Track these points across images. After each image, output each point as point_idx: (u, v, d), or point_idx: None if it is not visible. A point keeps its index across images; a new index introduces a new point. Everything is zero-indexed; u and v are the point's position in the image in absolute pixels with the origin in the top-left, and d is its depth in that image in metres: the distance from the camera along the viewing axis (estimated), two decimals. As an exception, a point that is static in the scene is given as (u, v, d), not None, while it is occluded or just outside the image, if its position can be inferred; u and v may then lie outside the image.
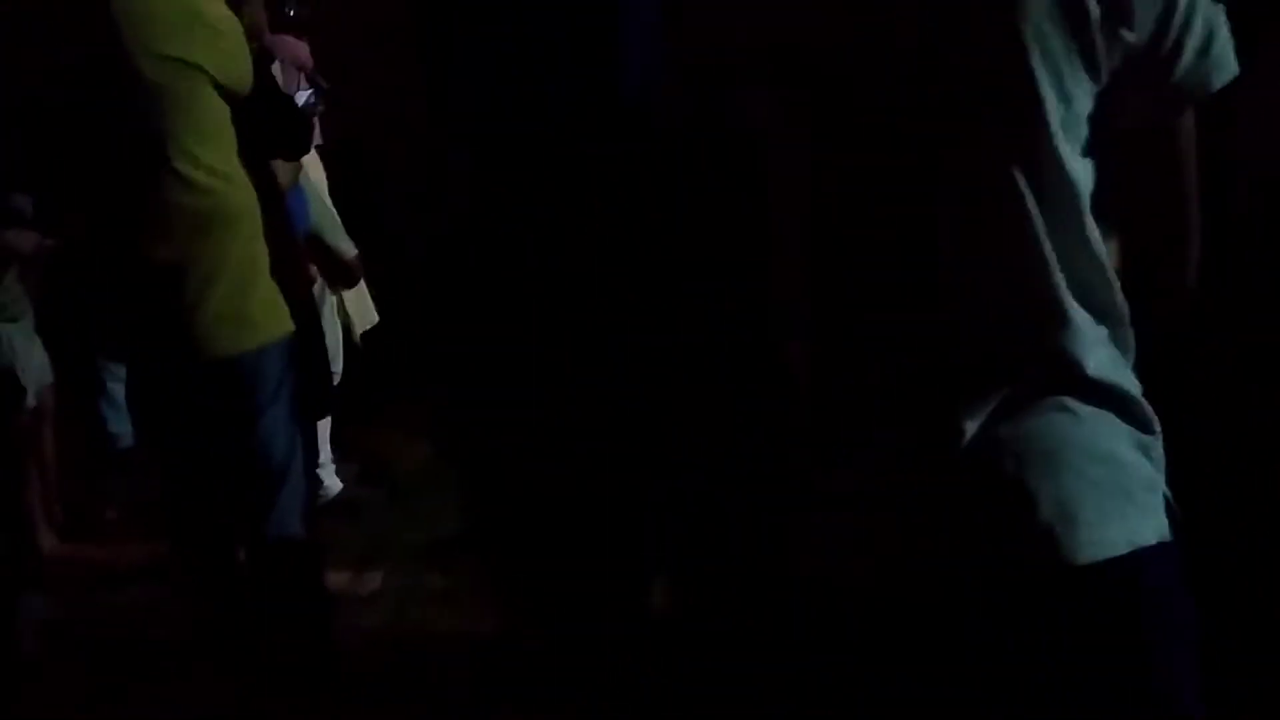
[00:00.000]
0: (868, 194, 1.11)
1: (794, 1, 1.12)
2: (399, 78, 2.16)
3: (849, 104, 1.09)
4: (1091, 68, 1.04)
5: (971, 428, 1.09)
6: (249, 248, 2.40)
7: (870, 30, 1.08)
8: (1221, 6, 1.07)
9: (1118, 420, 1.11)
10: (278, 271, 2.44)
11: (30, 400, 3.70)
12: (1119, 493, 1.09)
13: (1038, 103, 1.04)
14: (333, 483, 3.85)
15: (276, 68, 3.49)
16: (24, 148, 2.82)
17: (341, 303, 3.75)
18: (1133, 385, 1.13)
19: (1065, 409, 1.10)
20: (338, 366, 3.78)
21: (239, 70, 2.34)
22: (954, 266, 1.09)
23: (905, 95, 1.07)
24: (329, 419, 3.79)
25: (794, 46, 1.11)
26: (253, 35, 2.61)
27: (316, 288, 3.53)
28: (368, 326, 3.82)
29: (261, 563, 2.53)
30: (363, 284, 3.75)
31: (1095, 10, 1.02)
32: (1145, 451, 1.13)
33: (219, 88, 2.31)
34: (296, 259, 2.63)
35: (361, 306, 3.77)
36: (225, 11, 2.36)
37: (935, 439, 1.10)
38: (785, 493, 1.22)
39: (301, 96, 2.87)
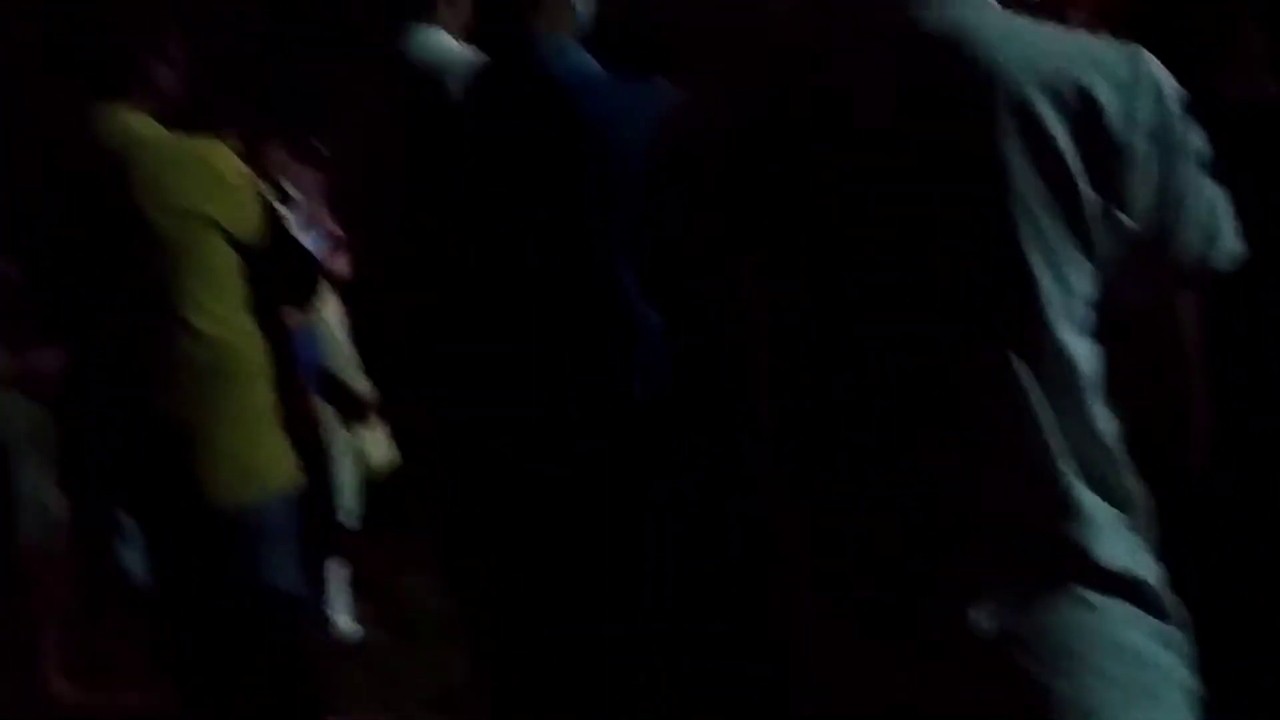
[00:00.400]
0: (863, 388, 1.08)
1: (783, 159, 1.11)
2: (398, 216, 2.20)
3: (833, 275, 1.08)
4: (1088, 250, 1.02)
5: (983, 621, 1.04)
6: (256, 397, 2.40)
7: (853, 204, 1.06)
8: (1222, 186, 1.05)
9: (1136, 610, 1.06)
10: (284, 419, 2.43)
11: (34, 537, 3.67)
12: (1142, 691, 1.04)
13: (1032, 286, 1.01)
14: (347, 626, 3.79)
15: (301, 203, 3.55)
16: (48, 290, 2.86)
17: (357, 440, 3.73)
18: (1150, 572, 1.08)
19: (1080, 600, 1.05)
20: (353, 505, 3.75)
21: (249, 222, 2.36)
22: (953, 455, 1.05)
23: (890, 275, 1.05)
24: (344, 560, 3.75)
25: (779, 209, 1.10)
26: (273, 177, 2.65)
27: (331, 425, 3.53)
28: (383, 464, 3.78)
29: (261, 711, 2.48)
30: (378, 421, 3.73)
31: (1090, 195, 1.00)
32: (1167, 643, 1.08)
33: (229, 239, 2.33)
34: (304, 405, 2.63)
35: (379, 444, 3.74)
36: (236, 165, 2.40)
37: (943, 635, 1.05)
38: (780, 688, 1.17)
39: (312, 239, 2.90)
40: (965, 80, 1.02)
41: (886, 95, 1.04)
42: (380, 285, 2.45)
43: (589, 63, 1.65)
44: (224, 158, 2.38)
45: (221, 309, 2.35)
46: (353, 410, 3.61)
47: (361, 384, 3.61)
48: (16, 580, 3.64)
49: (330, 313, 3.52)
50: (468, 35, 2.31)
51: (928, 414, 1.05)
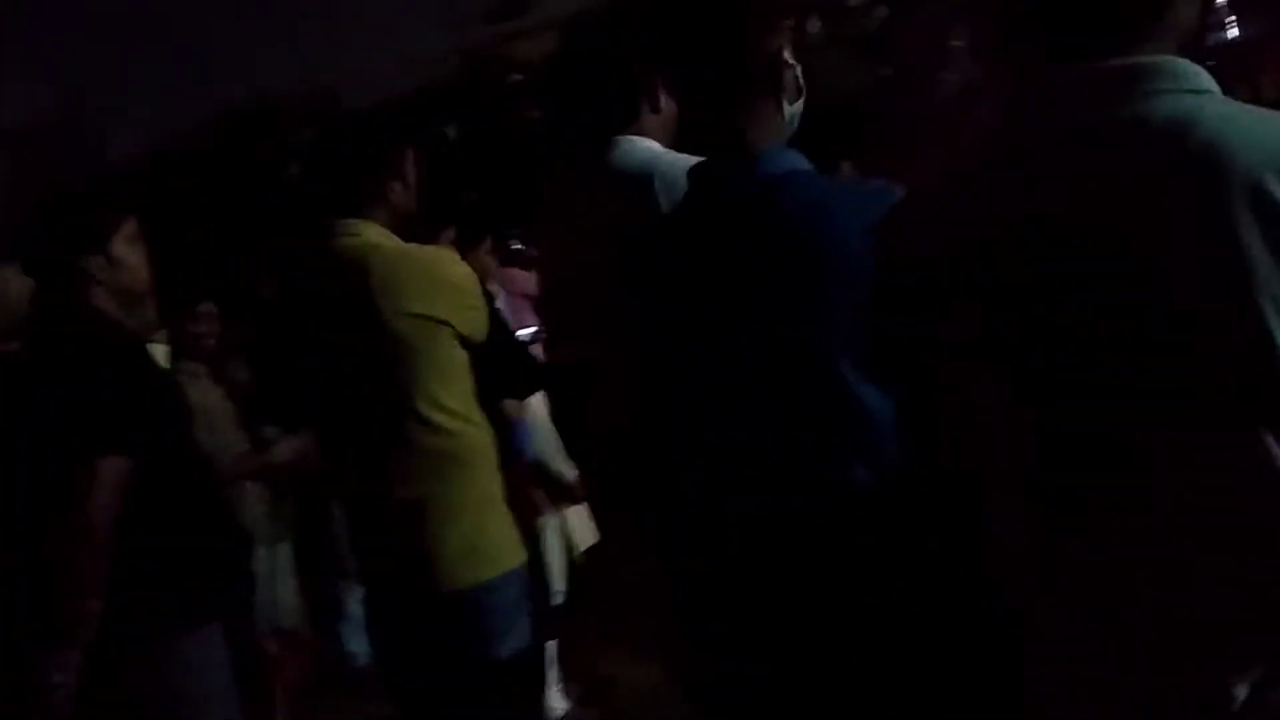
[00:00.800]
0: (1111, 478, 1.13)
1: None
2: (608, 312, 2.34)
3: (1077, 369, 1.13)
4: None
5: (1241, 692, 1.08)
6: (486, 484, 2.56)
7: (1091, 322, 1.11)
8: None
9: None
10: (510, 503, 2.59)
11: (271, 619, 3.90)
12: None
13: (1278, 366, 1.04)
14: (558, 704, 3.92)
15: (503, 301, 3.77)
16: (286, 388, 3.09)
17: (564, 523, 3.89)
18: None
19: None
20: (562, 586, 3.90)
21: (477, 322, 2.55)
22: (1202, 545, 1.09)
23: (1135, 367, 1.09)
24: (555, 639, 3.89)
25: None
26: (483, 278, 2.83)
27: (540, 508, 3.70)
28: (590, 544, 3.94)
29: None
30: (584, 504, 3.89)
31: None
32: None
33: (459, 338, 2.52)
34: (523, 490, 2.79)
35: (584, 526, 3.90)
36: (465, 270, 2.60)
37: (1199, 704, 1.10)
38: None
39: (526, 332, 3.08)
40: (1197, 167, 1.05)
41: (1118, 186, 1.09)
42: (592, 375, 2.59)
43: (803, 164, 1.75)
44: (452, 263, 2.59)
45: (452, 401, 2.52)
46: (560, 495, 3.78)
47: (566, 469, 3.79)
48: (254, 660, 3.89)
49: (536, 403, 3.72)
50: (672, 142, 2.46)
51: (1176, 501, 1.09)
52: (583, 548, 3.93)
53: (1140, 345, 1.09)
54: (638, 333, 1.97)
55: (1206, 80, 1.12)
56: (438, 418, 2.50)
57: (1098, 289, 1.10)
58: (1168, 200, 1.07)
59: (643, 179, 2.31)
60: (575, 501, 3.82)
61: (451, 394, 2.53)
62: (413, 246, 2.58)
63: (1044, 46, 1.17)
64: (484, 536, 2.54)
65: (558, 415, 3.82)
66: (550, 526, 3.83)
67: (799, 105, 1.81)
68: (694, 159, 2.28)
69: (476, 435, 2.56)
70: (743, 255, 1.72)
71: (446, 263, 2.58)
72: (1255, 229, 1.03)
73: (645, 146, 2.39)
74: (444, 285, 2.52)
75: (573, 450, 3.80)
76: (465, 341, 2.54)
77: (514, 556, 2.58)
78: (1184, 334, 1.07)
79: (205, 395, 3.70)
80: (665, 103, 2.45)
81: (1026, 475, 1.19)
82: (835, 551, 1.68)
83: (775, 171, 1.72)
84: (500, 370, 2.65)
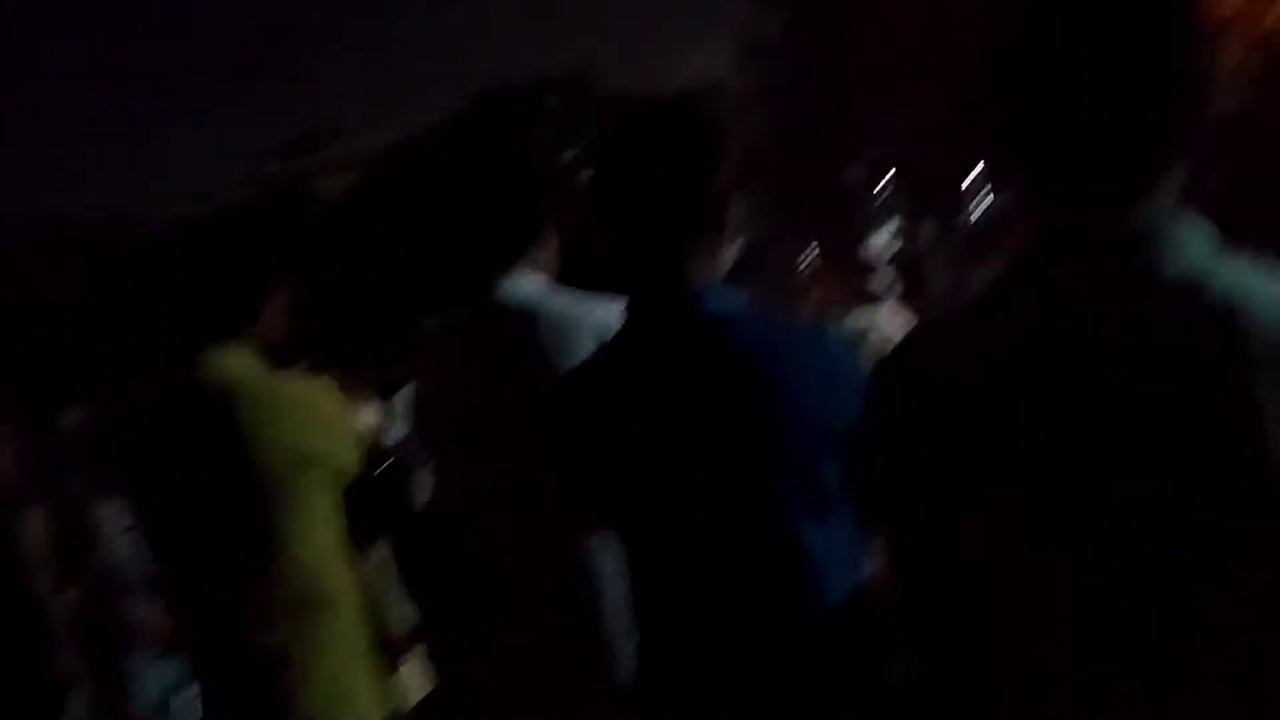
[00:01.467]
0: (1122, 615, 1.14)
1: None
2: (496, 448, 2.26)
3: (1090, 511, 1.14)
4: None
5: None
6: (352, 629, 2.41)
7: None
8: None
9: None
10: (377, 650, 2.44)
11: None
12: None
13: None
14: None
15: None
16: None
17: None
18: None
19: None
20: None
21: (351, 458, 2.42)
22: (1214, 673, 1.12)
23: (1149, 514, 1.12)
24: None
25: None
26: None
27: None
28: (420, 696, 3.73)
29: None
30: (418, 654, 3.69)
31: None
32: None
33: (333, 473, 2.38)
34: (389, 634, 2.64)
35: (416, 677, 3.69)
36: (339, 401, 2.47)
37: None
38: None
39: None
40: (1214, 326, 1.10)
41: (1132, 339, 1.12)
42: (472, 514, 2.48)
43: (745, 303, 1.75)
44: (327, 395, 2.46)
45: (320, 541, 2.38)
46: (395, 645, 3.57)
47: (404, 614, 3.59)
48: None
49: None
50: (557, 277, 2.44)
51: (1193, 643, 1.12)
52: (413, 700, 3.72)
53: (1163, 491, 1.12)
54: (581, 465, 1.88)
55: (1212, 239, 1.18)
56: (303, 558, 2.35)
57: (1123, 435, 1.12)
58: (1188, 354, 1.11)
59: (529, 318, 2.28)
60: (410, 651, 3.62)
61: (319, 533, 2.38)
62: (283, 376, 2.44)
63: (1055, 198, 1.20)
64: (349, 684, 2.39)
65: (399, 555, 3.64)
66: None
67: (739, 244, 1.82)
68: (583, 297, 2.28)
69: (343, 577, 2.41)
70: (688, 396, 1.69)
71: (319, 393, 2.45)
72: (1271, 380, 1.08)
73: (534, 284, 2.36)
74: (316, 418, 2.40)
75: (413, 593, 3.61)
76: (338, 477, 2.40)
77: (380, 707, 2.43)
78: (1204, 483, 1.10)
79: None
80: (553, 238, 2.45)
81: (1056, 611, 1.18)
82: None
83: (720, 311, 1.71)
84: (370, 508, 2.51)
